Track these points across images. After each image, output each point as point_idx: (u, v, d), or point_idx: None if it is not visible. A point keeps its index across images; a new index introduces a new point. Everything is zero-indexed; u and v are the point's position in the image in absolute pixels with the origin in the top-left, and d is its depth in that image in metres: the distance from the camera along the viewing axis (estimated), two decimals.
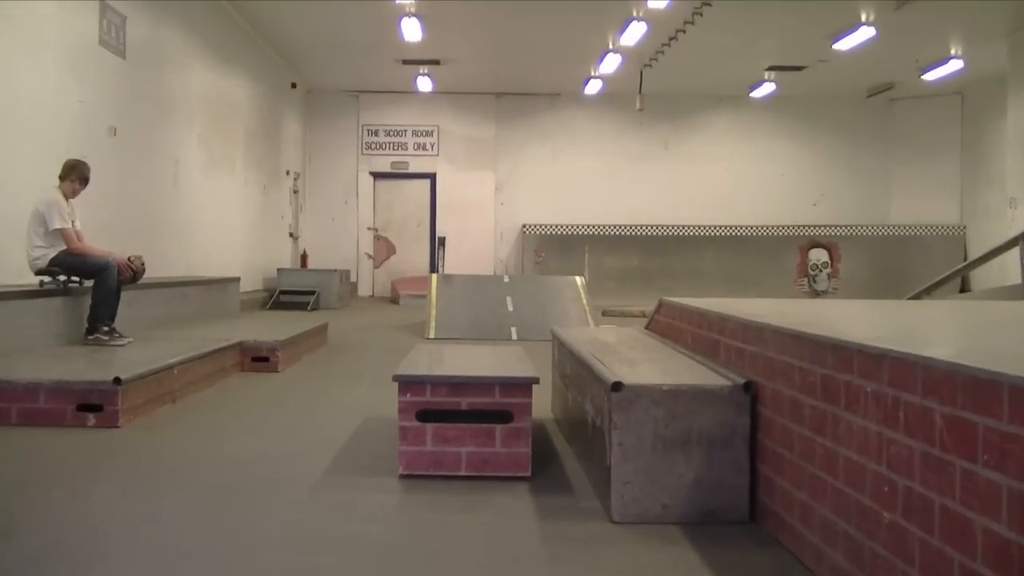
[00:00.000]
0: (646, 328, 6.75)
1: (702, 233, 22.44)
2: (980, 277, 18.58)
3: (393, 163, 22.53)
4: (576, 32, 16.74)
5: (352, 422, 6.39)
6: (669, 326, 6.10)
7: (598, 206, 22.48)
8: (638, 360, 5.01)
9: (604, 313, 16.54)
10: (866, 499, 3.04)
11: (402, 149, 22.62)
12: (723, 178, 22.84)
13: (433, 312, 13.43)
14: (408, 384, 4.88)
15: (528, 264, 22.12)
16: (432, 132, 22.62)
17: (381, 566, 3.57)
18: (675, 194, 22.70)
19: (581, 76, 20.42)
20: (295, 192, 21.35)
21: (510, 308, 13.70)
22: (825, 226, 22.60)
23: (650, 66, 18.98)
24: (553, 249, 22.12)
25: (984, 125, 20.92)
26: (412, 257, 22.53)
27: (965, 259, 20.47)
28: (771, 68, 19.81)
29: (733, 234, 22.47)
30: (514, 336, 12.78)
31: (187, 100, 14.16)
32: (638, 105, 20.30)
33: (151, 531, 3.96)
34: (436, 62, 19.28)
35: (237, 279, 14.16)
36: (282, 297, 18.10)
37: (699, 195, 22.71)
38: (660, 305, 6.48)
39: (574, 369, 5.53)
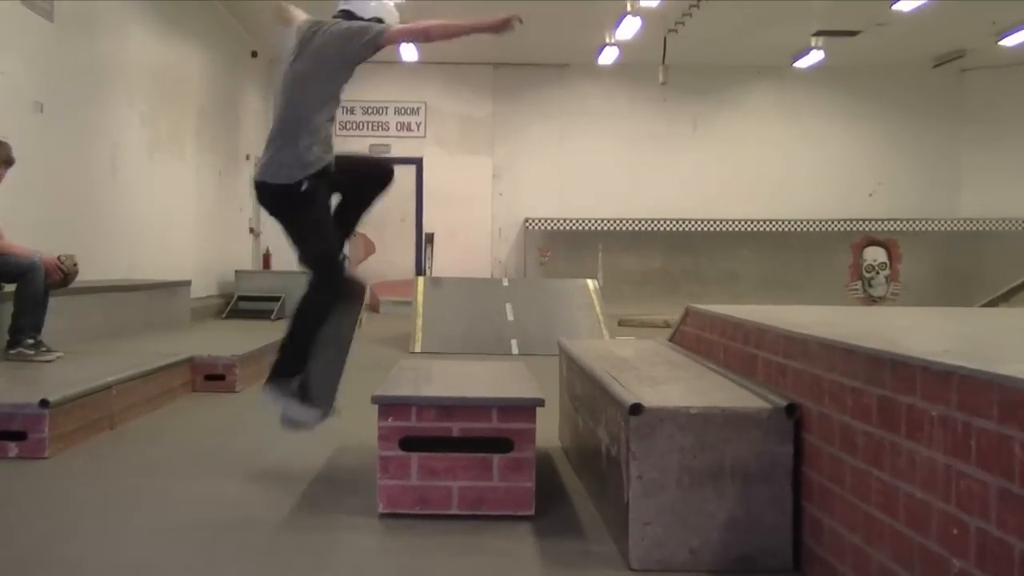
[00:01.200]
0: (670, 341, 6.78)
1: (737, 228, 22.47)
2: None
3: (372, 146, 22.54)
4: None
5: (324, 451, 6.40)
6: (698, 338, 6.12)
7: (614, 197, 22.55)
8: (661, 378, 5.03)
9: (621, 323, 16.56)
10: (931, 543, 3.02)
11: (382, 130, 22.70)
12: (762, 164, 22.88)
13: (419, 322, 13.47)
14: (390, 407, 4.90)
15: (531, 265, 22.15)
16: (418, 110, 22.67)
17: None
18: (705, 183, 22.75)
19: (594, 43, 20.47)
20: None
21: (510, 317, 13.74)
22: (883, 220, 22.62)
23: (676, 31, 19.02)
24: (560, 248, 22.16)
25: None
26: (394, 257, 22.52)
27: None
28: (819, 33, 19.84)
29: (774, 230, 22.50)
30: (515, 350, 12.85)
31: (128, 71, 14.18)
32: (661, 78, 20.34)
33: None
34: None
35: (188, 283, 14.21)
36: (241, 304, 18.15)
37: (733, 184, 22.76)
38: (687, 314, 6.51)
39: (585, 389, 5.54)
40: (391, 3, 5.80)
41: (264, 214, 5.56)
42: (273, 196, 5.36)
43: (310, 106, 5.43)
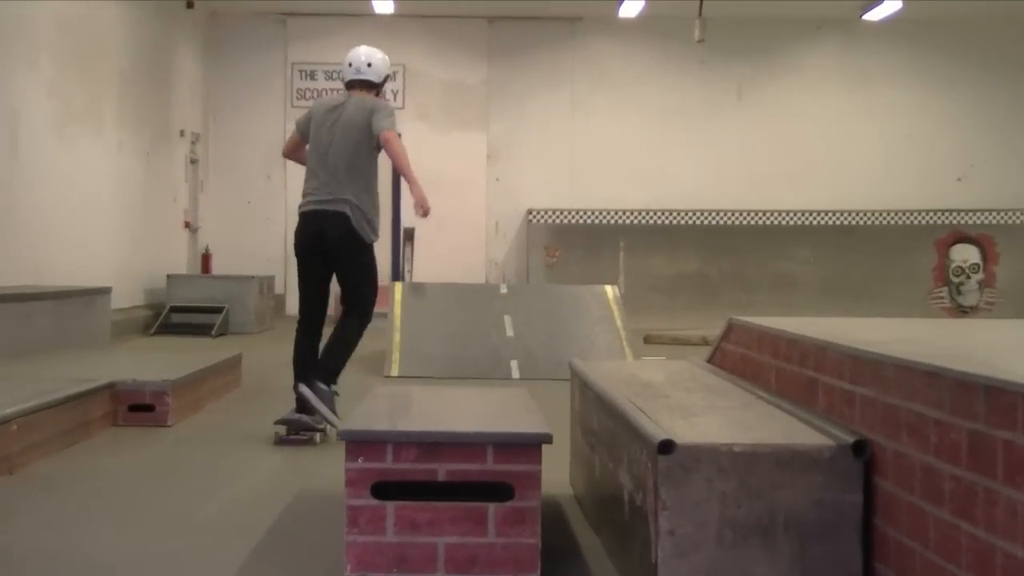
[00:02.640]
0: (708, 361, 6.81)
1: (792, 222, 22.51)
2: None
3: None
4: None
5: (278, 499, 6.41)
6: (743, 359, 6.16)
7: (639, 183, 22.58)
8: (697, 408, 5.05)
9: (647, 339, 16.60)
10: None
11: None
12: (822, 142, 22.90)
13: (397, 338, 13.49)
14: (360, 444, 4.90)
15: (535, 268, 22.16)
16: (395, 74, 22.64)
17: None
18: (752, 165, 22.78)
19: None
20: (193, 162, 21.47)
21: (509, 332, 13.75)
22: (975, 211, 22.65)
23: None
24: (572, 246, 22.18)
25: None
26: None
27: None
28: None
29: (838, 223, 22.53)
30: (515, 373, 12.88)
31: (31, 28, 14.15)
32: (697, 35, 20.28)
33: None
34: None
35: (108, 290, 14.22)
36: (174, 317, 18.22)
37: (787, 166, 22.78)
38: (729, 328, 6.55)
39: (603, 422, 5.56)
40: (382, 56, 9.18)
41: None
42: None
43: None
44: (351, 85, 9.08)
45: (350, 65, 9.07)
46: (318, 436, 8.47)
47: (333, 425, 8.23)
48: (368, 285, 8.79)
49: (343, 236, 8.54)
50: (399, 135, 8.83)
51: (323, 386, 8.48)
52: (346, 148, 8.66)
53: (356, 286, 8.77)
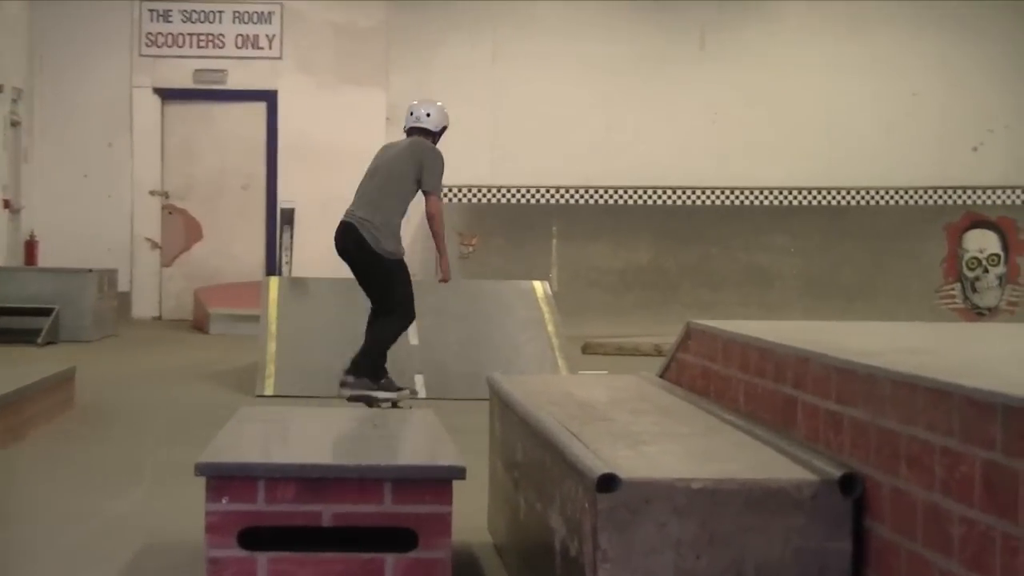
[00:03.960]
0: (662, 376, 6.86)
1: (768, 202, 22.55)
2: None
3: (198, 73, 22.51)
4: None
5: (120, 553, 6.38)
6: (705, 373, 6.20)
7: (576, 154, 22.43)
8: (648, 435, 5.07)
9: (586, 349, 16.77)
10: None
11: (215, 46, 22.76)
12: (806, 102, 22.96)
13: (272, 348, 13.53)
14: (223, 481, 4.89)
15: (448, 259, 22.08)
16: (271, 15, 22.61)
17: None
18: (718, 132, 22.75)
19: None
20: (14, 125, 21.27)
21: (413, 340, 13.65)
22: (995, 188, 22.81)
23: None
24: (494, 232, 22.13)
25: None
26: (233, 247, 22.51)
27: None
28: None
29: (825, 203, 22.60)
30: (421, 391, 12.86)
31: None
32: None
33: None
34: None
35: None
36: None
37: (762, 134, 22.73)
38: (688, 334, 6.59)
39: (530, 452, 5.58)
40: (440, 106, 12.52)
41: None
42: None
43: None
44: (410, 132, 12.27)
45: (411, 114, 12.28)
46: (397, 403, 11.35)
47: (390, 401, 11.31)
48: (391, 292, 11.89)
49: (355, 246, 11.79)
50: (441, 197, 12.37)
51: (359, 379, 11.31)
52: (387, 176, 11.91)
53: (380, 295, 11.99)
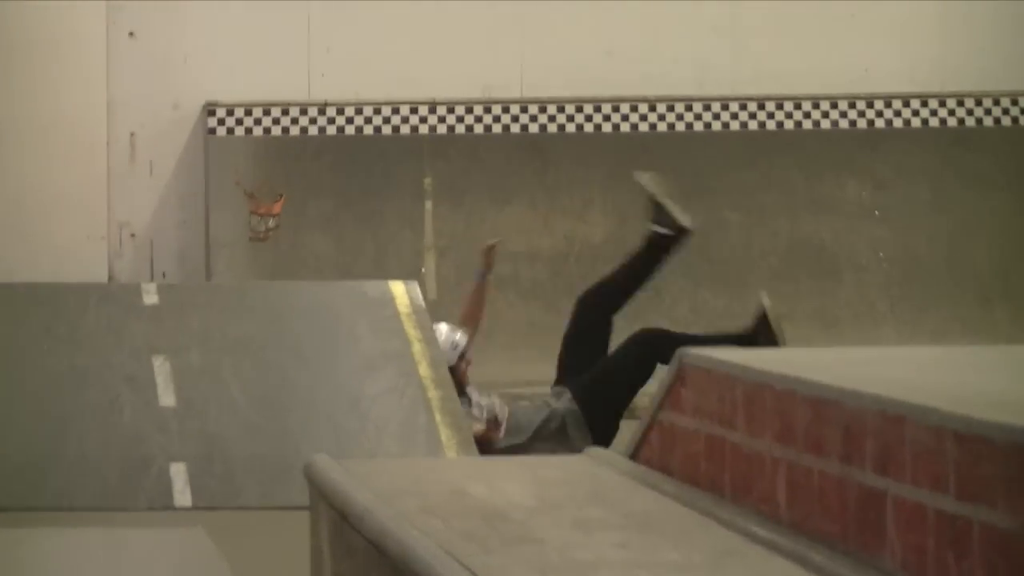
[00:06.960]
0: (634, 453, 5.60)
1: (825, 124, 16.90)
2: None
3: None
4: None
5: None
6: (711, 445, 4.92)
7: (465, 51, 16.81)
8: (605, 570, 4.07)
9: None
10: None
11: None
12: None
13: None
14: None
15: (229, 242, 16.67)
16: None
17: None
18: (701, 14, 17.49)
19: None
20: None
21: (166, 399, 10.71)
22: None
23: None
24: (314, 190, 16.15)
25: None
26: None
27: None
28: None
29: (939, 123, 17.15)
30: (182, 496, 10.17)
31: None
32: None
33: None
34: None
35: None
36: None
37: (775, 18, 17.46)
38: (681, 375, 5.24)
39: None
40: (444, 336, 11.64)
41: None
42: None
43: None
44: None
45: None
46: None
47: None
48: None
49: None
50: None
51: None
52: None
53: None
